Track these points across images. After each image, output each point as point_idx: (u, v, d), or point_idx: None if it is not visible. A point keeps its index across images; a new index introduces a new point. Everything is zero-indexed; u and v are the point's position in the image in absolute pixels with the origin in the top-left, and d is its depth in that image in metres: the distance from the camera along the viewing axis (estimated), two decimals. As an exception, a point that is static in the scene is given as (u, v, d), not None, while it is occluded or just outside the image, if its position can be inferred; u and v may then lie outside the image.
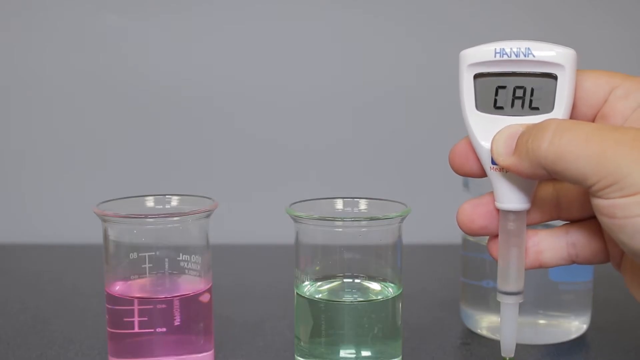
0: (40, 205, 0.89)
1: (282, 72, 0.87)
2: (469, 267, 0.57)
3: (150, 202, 0.50)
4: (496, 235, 0.39)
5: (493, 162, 0.37)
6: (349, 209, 0.50)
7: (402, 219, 0.47)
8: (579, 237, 0.39)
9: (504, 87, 0.37)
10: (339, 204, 0.50)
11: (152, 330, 0.46)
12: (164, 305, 0.46)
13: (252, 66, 0.86)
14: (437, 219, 0.84)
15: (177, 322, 0.46)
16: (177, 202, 0.50)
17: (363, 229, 0.46)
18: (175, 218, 0.46)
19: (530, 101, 0.37)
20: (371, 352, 0.46)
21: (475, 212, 0.39)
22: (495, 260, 0.39)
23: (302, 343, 0.48)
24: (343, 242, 0.47)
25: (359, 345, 0.46)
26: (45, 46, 0.86)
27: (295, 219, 0.47)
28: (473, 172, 0.39)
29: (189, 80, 0.86)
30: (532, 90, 0.36)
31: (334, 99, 0.87)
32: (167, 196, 0.50)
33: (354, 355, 0.46)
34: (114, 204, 0.48)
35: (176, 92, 0.86)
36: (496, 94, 0.37)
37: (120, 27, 0.85)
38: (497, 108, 0.37)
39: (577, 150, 0.32)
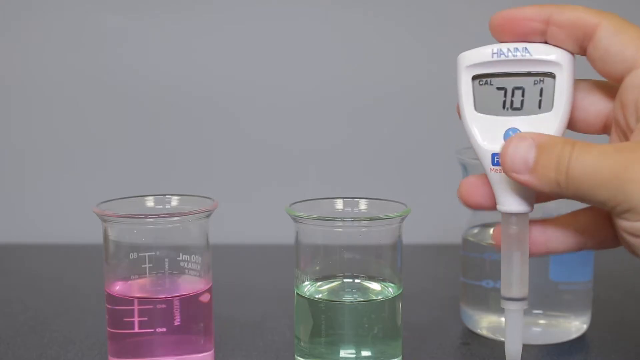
0: (40, 205, 0.89)
1: (282, 72, 0.86)
2: (469, 267, 0.57)
3: (150, 202, 0.50)
4: (498, 223, 0.39)
5: (494, 164, 0.37)
6: (349, 209, 0.50)
7: (402, 219, 0.47)
8: (588, 224, 0.39)
9: (502, 88, 0.37)
10: (339, 204, 0.50)
11: (152, 330, 0.46)
12: (164, 305, 0.46)
13: (252, 66, 0.86)
14: (437, 219, 0.84)
15: (177, 322, 0.46)
16: (177, 202, 0.50)
17: (363, 229, 0.46)
18: (175, 218, 0.46)
19: (530, 101, 0.37)
20: (371, 352, 0.46)
21: (474, 189, 0.40)
22: (498, 251, 0.39)
23: (302, 343, 0.48)
24: (343, 242, 0.47)
25: (359, 345, 0.46)
26: (45, 46, 0.86)
27: (295, 219, 0.47)
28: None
29: (189, 80, 0.86)
30: (531, 90, 0.36)
31: (334, 99, 0.87)
32: (167, 196, 0.50)
33: (354, 355, 0.46)
34: (114, 204, 0.48)
35: (176, 92, 0.86)
36: (495, 95, 0.37)
37: (120, 27, 0.85)
38: (496, 109, 0.37)
39: (592, 180, 0.33)
